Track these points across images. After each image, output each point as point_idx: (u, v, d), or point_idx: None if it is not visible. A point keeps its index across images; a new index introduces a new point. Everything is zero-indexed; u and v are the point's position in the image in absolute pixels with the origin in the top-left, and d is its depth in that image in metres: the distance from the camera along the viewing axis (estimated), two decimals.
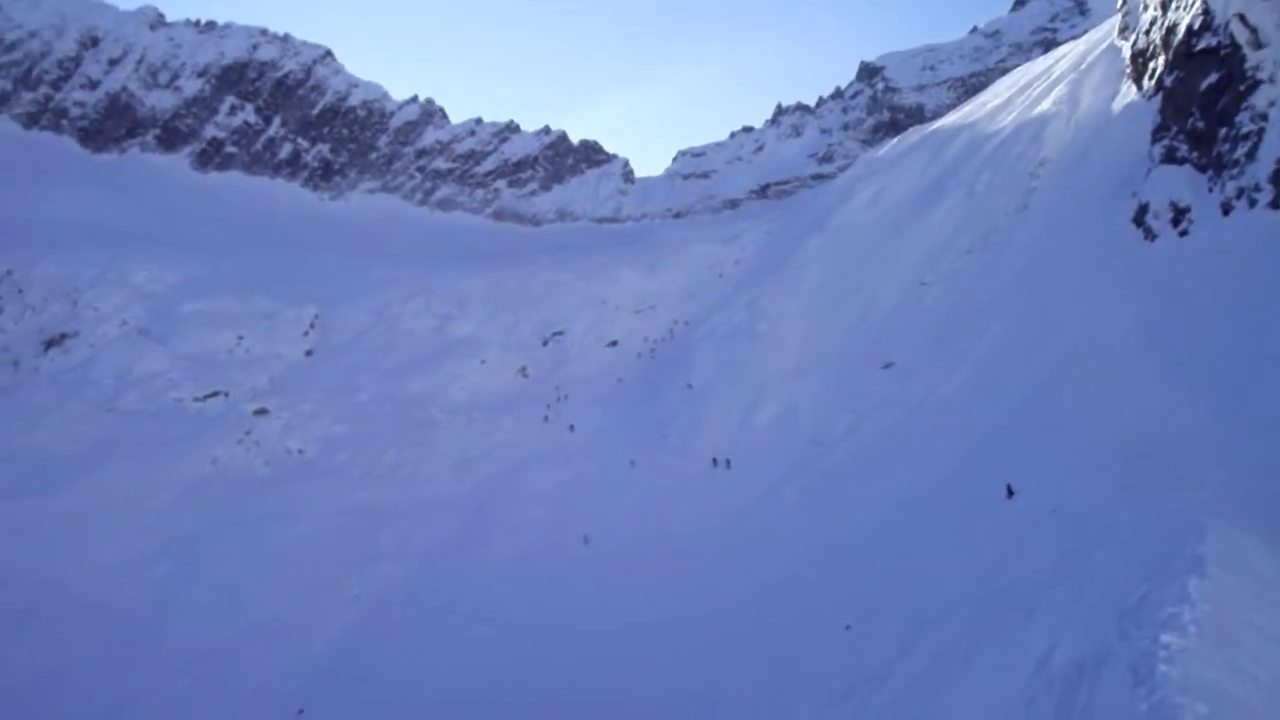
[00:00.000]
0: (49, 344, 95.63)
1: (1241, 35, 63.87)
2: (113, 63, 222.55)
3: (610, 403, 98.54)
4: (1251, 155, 60.01)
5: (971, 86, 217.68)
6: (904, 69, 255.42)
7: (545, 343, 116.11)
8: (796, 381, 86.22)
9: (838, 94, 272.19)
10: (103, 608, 59.79)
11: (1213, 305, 53.12)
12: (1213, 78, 66.99)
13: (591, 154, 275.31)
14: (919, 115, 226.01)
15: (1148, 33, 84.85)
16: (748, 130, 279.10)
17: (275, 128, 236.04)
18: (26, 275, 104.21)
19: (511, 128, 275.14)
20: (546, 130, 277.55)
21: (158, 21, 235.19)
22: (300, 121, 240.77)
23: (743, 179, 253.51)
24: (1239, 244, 56.82)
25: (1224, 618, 17.34)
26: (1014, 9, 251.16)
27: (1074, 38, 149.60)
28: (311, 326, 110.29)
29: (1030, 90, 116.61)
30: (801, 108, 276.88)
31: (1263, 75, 61.79)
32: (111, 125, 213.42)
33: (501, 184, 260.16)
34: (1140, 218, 68.31)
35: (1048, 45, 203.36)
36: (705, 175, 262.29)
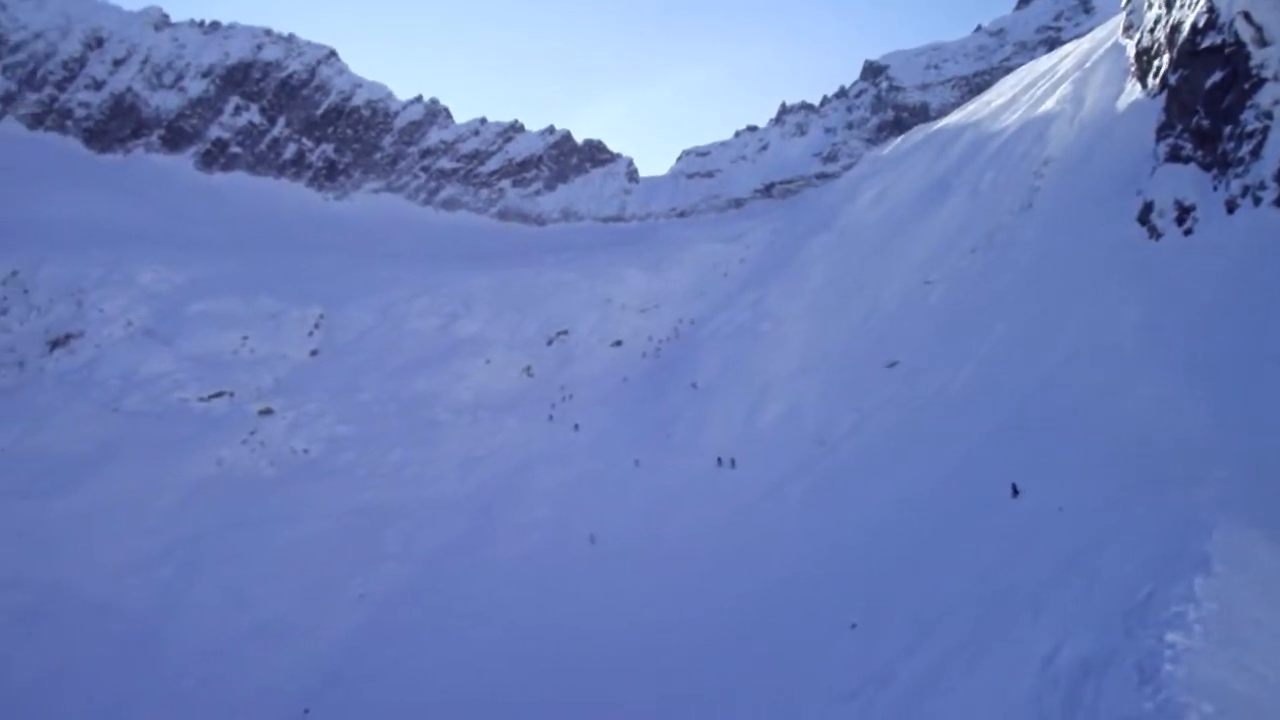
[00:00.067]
0: (54, 344, 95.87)
1: (1246, 33, 63.78)
2: (117, 63, 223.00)
3: (615, 402, 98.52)
4: (1256, 153, 59.91)
5: (976, 85, 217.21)
6: (908, 68, 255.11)
7: (550, 342, 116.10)
8: (801, 380, 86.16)
9: (842, 93, 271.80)
10: (108, 608, 59.97)
11: (1218, 304, 53.08)
12: (1217, 76, 66.89)
13: (596, 153, 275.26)
14: (923, 114, 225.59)
15: (1152, 31, 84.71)
16: (752, 129, 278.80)
17: (280, 128, 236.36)
18: (32, 276, 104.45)
19: (516, 127, 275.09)
20: (551, 130, 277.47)
21: (162, 22, 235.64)
22: (305, 122, 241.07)
23: (747, 178, 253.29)
24: (1244, 242, 56.72)
25: (1230, 616, 17.35)
26: (1018, 7, 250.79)
27: (1078, 36, 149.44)
28: (316, 326, 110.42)
29: (1034, 89, 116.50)
30: (806, 107, 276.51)
31: (1267, 73, 61.71)
32: (116, 126, 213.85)
33: (506, 184, 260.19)
34: (1145, 216, 68.23)
35: (1052, 44, 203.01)
36: (710, 174, 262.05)
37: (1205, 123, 67.19)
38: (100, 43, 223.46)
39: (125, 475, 75.41)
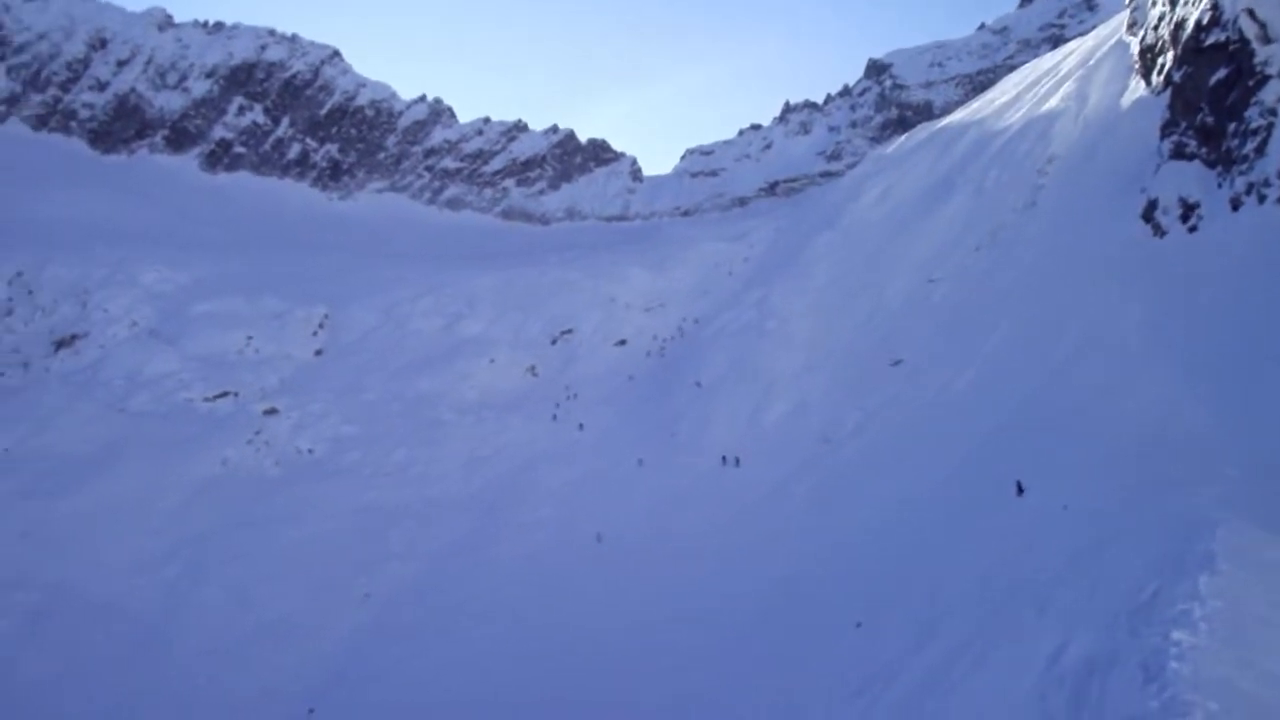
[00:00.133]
0: (59, 345, 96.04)
1: (1250, 30, 63.75)
2: (121, 64, 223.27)
3: (619, 401, 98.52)
4: (1261, 150, 59.90)
5: (979, 83, 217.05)
6: (912, 66, 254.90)
7: (554, 341, 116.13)
8: (805, 379, 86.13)
9: (846, 91, 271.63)
10: (113, 608, 60.06)
11: (1222, 301, 53.07)
12: (1221, 73, 66.87)
13: (600, 152, 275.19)
14: (927, 112, 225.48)
15: (1156, 28, 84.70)
16: (756, 128, 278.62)
17: (284, 128, 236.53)
18: (36, 277, 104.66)
19: (519, 127, 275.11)
20: (554, 129, 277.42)
21: (166, 23, 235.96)
22: (308, 121, 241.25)
23: (751, 177, 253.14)
24: (1248, 240, 56.72)
25: (1235, 614, 17.33)
26: (1021, 5, 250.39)
27: (1082, 34, 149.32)
28: (321, 326, 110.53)
29: (1038, 87, 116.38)
30: (809, 105, 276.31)
31: (1271, 70, 61.69)
32: (120, 126, 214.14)
33: (510, 183, 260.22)
34: (1149, 214, 68.22)
35: (1056, 41, 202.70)
36: (713, 173, 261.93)
37: (1209, 120, 67.18)
38: (104, 43, 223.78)
39: (130, 475, 75.49)
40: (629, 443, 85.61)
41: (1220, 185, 63.28)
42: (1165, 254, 63.45)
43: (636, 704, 41.35)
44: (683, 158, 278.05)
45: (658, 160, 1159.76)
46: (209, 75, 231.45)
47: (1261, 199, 58.17)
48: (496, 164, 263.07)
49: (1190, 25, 73.18)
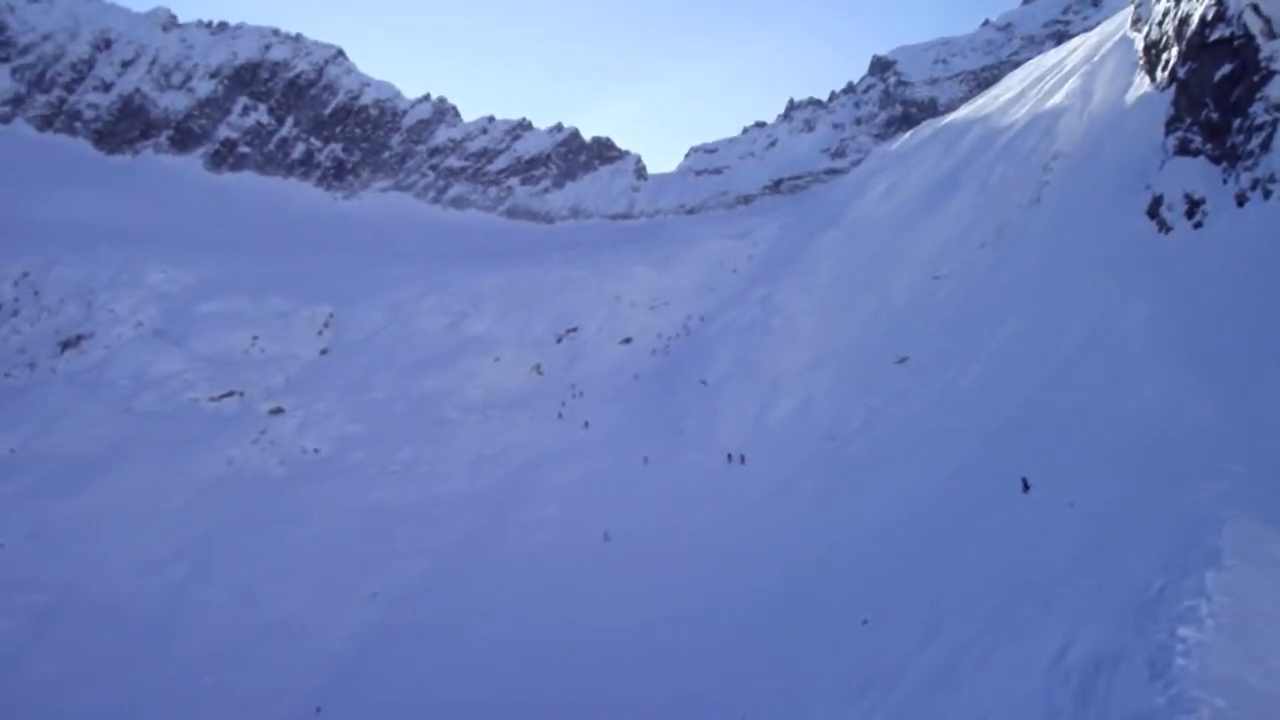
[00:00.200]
0: (65, 345, 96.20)
1: (1255, 26, 63.63)
2: (126, 64, 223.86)
3: (625, 399, 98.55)
4: (1266, 146, 59.76)
5: (984, 80, 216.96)
6: (916, 63, 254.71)
7: (559, 340, 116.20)
8: (811, 376, 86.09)
9: (850, 88, 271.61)
10: (119, 608, 60.12)
11: (1228, 297, 52.96)
12: (1226, 69, 66.72)
13: (604, 151, 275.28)
14: (931, 109, 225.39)
15: (1160, 24, 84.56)
16: (760, 125, 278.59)
17: (288, 128, 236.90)
18: (42, 277, 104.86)
19: (524, 125, 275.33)
20: (559, 127, 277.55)
21: (170, 23, 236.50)
22: (313, 121, 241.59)
23: (755, 174, 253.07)
24: (1254, 236, 56.59)
25: (1242, 610, 17.31)
26: (1026, 2, 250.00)
27: (1086, 30, 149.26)
28: (326, 325, 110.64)
29: (1043, 83, 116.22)
30: (814, 102, 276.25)
31: (1276, 66, 61.51)
32: (125, 127, 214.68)
33: (514, 181, 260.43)
34: (1154, 210, 68.08)
35: (1060, 38, 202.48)
36: (718, 171, 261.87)
37: (1214, 116, 67.05)
38: (108, 44, 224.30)
39: (136, 475, 75.60)
40: (634, 441, 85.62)
41: (1225, 181, 63.15)
42: (1170, 250, 63.33)
43: (641, 703, 41.33)
44: (687, 156, 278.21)
45: (662, 158, 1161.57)
46: (213, 75, 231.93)
47: (1267, 195, 58.02)
48: (501, 163, 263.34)
49: (1195, 21, 73.06)
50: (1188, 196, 65.37)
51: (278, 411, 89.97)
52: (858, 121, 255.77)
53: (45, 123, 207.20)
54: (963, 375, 68.87)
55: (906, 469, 58.84)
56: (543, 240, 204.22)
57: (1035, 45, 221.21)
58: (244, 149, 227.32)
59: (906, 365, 77.77)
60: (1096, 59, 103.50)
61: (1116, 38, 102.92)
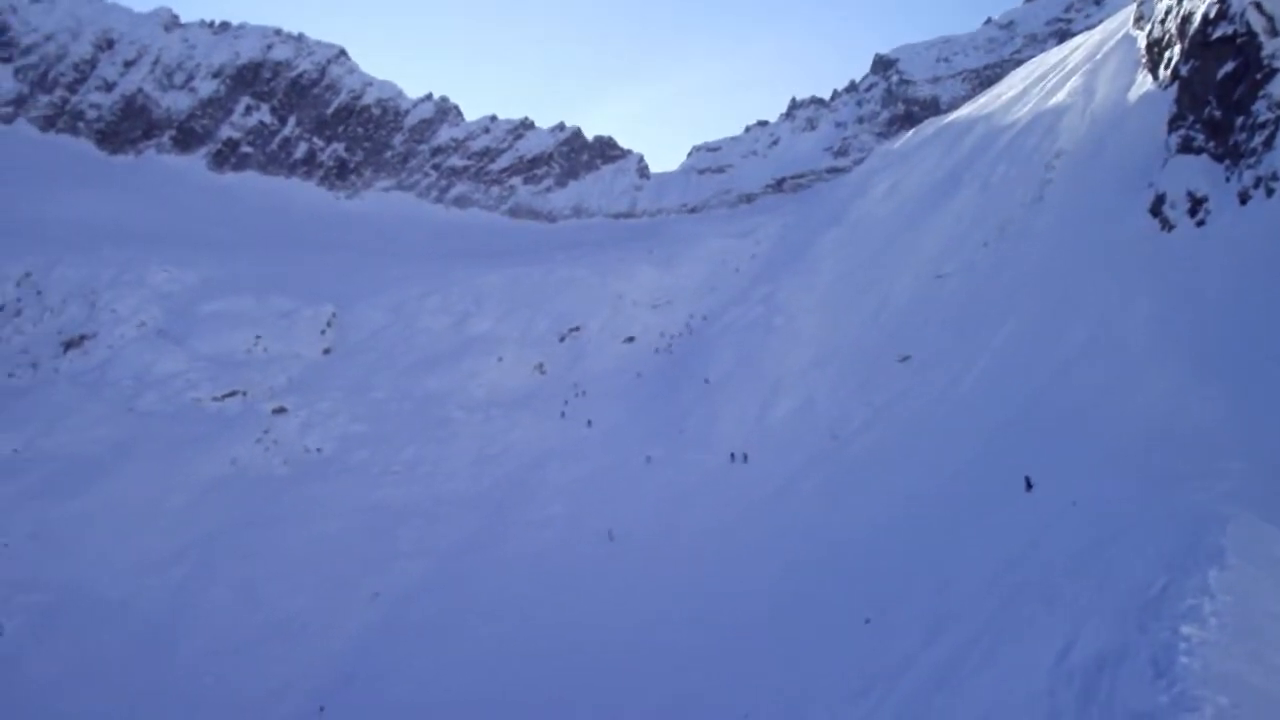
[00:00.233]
0: (68, 345, 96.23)
1: (1258, 23, 63.63)
2: (128, 65, 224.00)
3: (628, 398, 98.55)
4: (1269, 144, 59.75)
5: (986, 78, 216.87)
6: (918, 61, 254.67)
7: (562, 339, 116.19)
8: (813, 375, 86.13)
9: (852, 87, 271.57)
10: (123, 607, 60.22)
11: (1230, 295, 52.94)
12: (1229, 66, 66.72)
13: (606, 150, 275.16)
14: (934, 107, 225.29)
15: (1163, 22, 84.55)
16: (763, 124, 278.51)
17: (290, 127, 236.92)
18: (45, 277, 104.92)
19: (526, 124, 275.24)
20: (561, 127, 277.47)
21: (172, 23, 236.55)
22: (315, 121, 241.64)
23: (758, 173, 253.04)
24: (1257, 234, 56.57)
25: (1246, 609, 17.28)
26: (1028, 0, 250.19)
27: (1089, 28, 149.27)
28: (329, 325, 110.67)
29: (1045, 81, 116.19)
30: (816, 101, 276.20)
31: (1279, 64, 61.52)
32: (127, 127, 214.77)
33: (517, 181, 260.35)
34: (1157, 208, 68.05)
35: (1062, 36, 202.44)
36: (720, 170, 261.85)
37: (1217, 114, 67.05)
38: (111, 44, 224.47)
39: (139, 475, 75.65)
40: (637, 440, 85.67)
41: (1228, 179, 63.13)
42: (1173, 248, 63.31)
43: (641, 703, 41.43)
44: (690, 154, 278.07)
45: (665, 157, 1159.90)
46: (215, 75, 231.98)
47: (1270, 193, 57.98)
48: (503, 162, 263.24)
49: (1197, 19, 73.05)
50: (1190, 195, 65.34)
51: (280, 411, 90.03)
52: (860, 120, 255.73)
53: (48, 123, 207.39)
54: (965, 374, 68.88)
55: (908, 468, 58.87)
56: (545, 239, 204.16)
57: (1037, 43, 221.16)
58: (246, 149, 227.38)
59: (909, 364, 77.77)
60: (1099, 57, 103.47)
61: (1119, 36, 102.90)
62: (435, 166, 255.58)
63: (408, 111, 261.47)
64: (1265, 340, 45.85)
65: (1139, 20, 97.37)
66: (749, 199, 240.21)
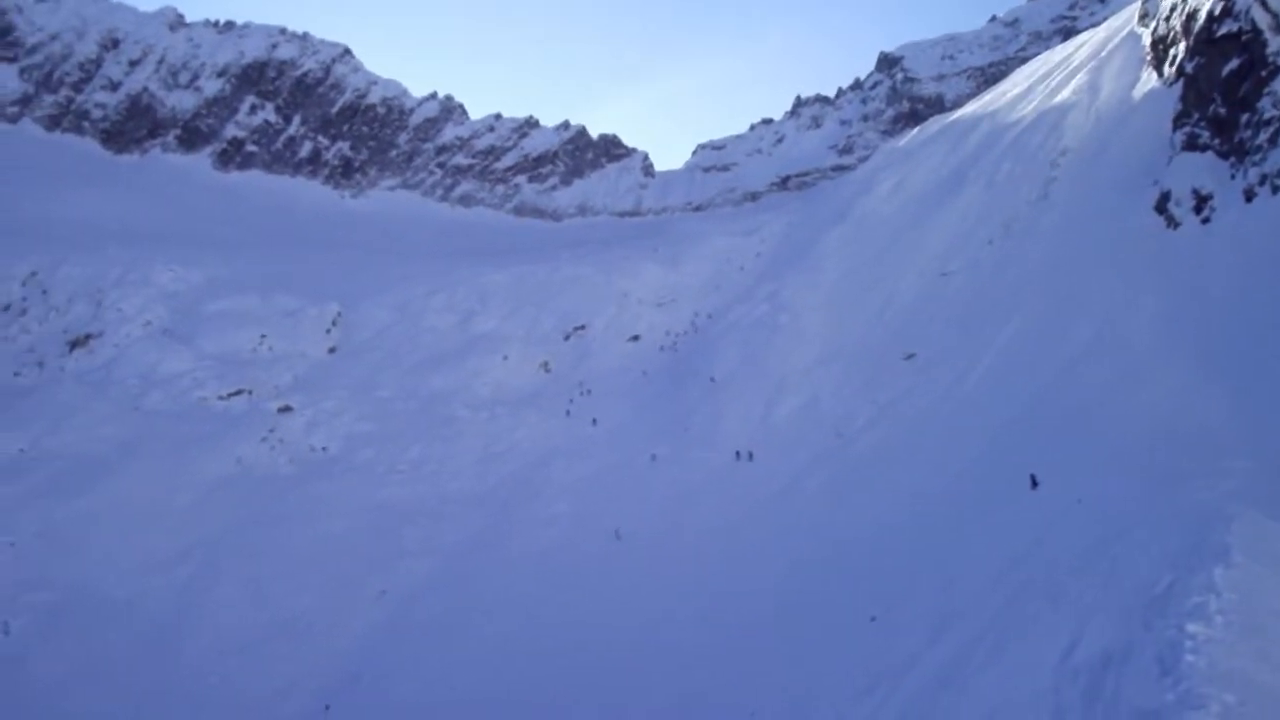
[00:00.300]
0: (74, 344, 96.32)
1: (1263, 20, 63.58)
2: (133, 64, 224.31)
3: (633, 397, 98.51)
4: (1274, 141, 59.68)
5: (991, 76, 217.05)
6: (923, 59, 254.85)
7: (567, 337, 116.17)
8: (818, 373, 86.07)
9: (857, 85, 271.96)
10: (130, 606, 60.23)
11: (1236, 293, 52.88)
12: (1234, 63, 66.66)
13: (611, 148, 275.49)
14: (938, 105, 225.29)
15: (1168, 19, 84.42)
16: (767, 122, 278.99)
17: (295, 126, 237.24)
18: (51, 276, 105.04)
19: (531, 123, 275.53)
20: (566, 125, 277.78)
21: (177, 22, 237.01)
22: (320, 120, 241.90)
23: (763, 171, 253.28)
24: (1262, 231, 56.50)
25: (1252, 606, 17.27)
26: None
27: (1093, 25, 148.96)
28: (334, 324, 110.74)
29: (1050, 79, 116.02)
30: (821, 99, 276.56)
31: None
32: (133, 126, 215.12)
33: (521, 179, 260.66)
34: (1162, 206, 67.96)
35: (1067, 33, 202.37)
36: (725, 168, 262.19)
37: (1222, 111, 66.98)
38: (116, 44, 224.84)
39: (145, 474, 75.69)
40: (643, 438, 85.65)
41: (1233, 176, 63.06)
42: (1178, 246, 63.23)
43: (647, 702, 41.44)
44: (694, 153, 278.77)
45: (669, 155, 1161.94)
46: (220, 74, 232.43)
47: (1275, 190, 57.92)
48: (508, 160, 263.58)
49: (1202, 16, 72.96)
50: (1195, 192, 65.27)
51: (286, 410, 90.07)
52: (865, 118, 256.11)
53: (53, 122, 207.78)
54: (970, 372, 68.81)
55: (914, 466, 58.82)
56: (550, 238, 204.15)
57: (1042, 41, 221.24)
58: (251, 148, 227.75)
59: (914, 362, 77.70)
60: (1104, 54, 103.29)
61: (1124, 33, 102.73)
62: (440, 165, 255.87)
63: (412, 110, 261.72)
64: (1270, 338, 45.79)
65: (1144, 17, 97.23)
66: (754, 197, 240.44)
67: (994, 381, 64.54)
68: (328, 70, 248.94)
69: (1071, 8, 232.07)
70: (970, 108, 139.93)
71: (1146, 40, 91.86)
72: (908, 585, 38.55)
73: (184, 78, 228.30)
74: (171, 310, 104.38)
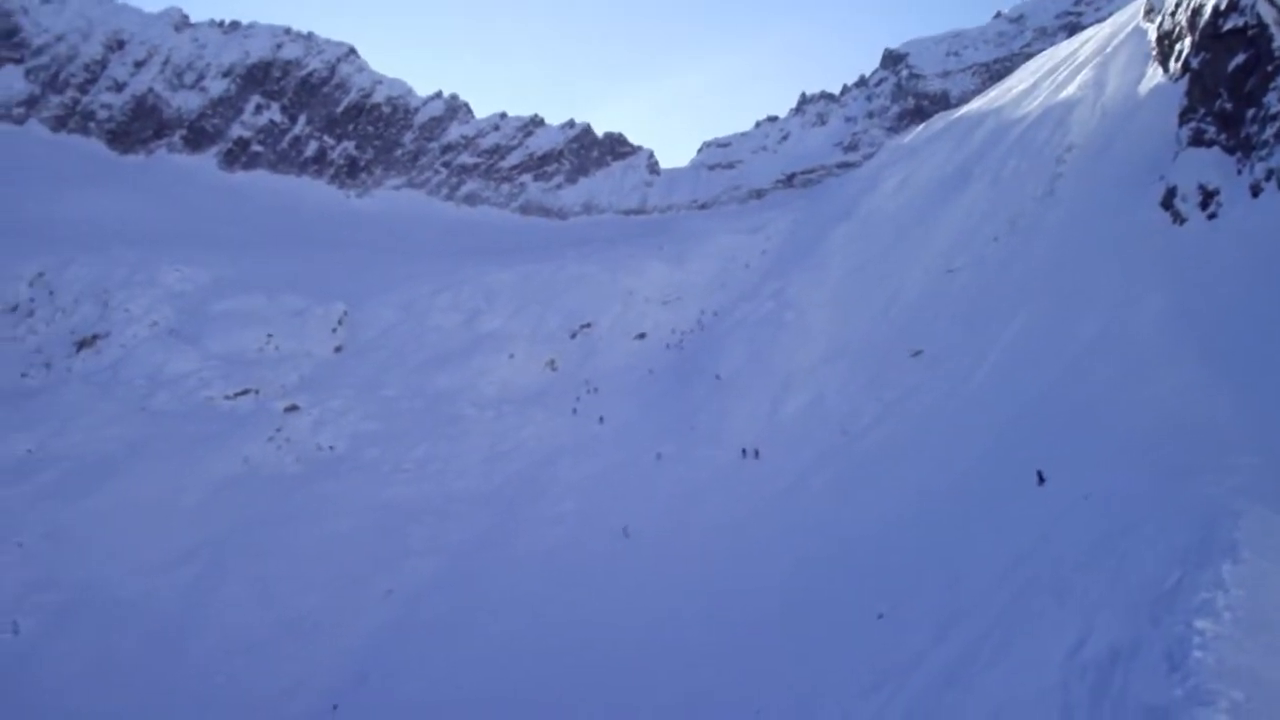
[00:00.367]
0: (80, 345, 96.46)
1: (1269, 15, 63.40)
2: (138, 65, 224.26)
3: (639, 395, 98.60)
4: None
5: (996, 72, 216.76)
6: (928, 55, 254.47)
7: (573, 335, 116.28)
8: (824, 370, 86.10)
9: (862, 82, 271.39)
10: (135, 606, 60.27)
11: (1243, 288, 52.70)
12: (1240, 58, 66.45)
13: (616, 146, 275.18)
14: (944, 102, 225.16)
15: (1173, 14, 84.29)
16: (772, 120, 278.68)
17: (301, 126, 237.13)
18: (57, 277, 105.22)
19: (536, 121, 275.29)
20: (571, 123, 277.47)
21: (182, 23, 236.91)
22: (325, 119, 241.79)
23: (768, 169, 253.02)
24: (1269, 226, 56.29)
25: (1260, 602, 17.22)
26: None
27: (1099, 21, 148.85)
28: (340, 323, 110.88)
29: (1055, 75, 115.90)
30: (826, 96, 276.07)
31: None
32: (138, 127, 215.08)
33: (527, 178, 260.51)
34: (1168, 201, 67.83)
35: (1072, 29, 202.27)
36: (730, 165, 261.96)
37: (1228, 106, 66.79)
38: (121, 44, 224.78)
39: (152, 474, 75.77)
40: (649, 436, 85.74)
41: (1240, 172, 62.90)
42: (1184, 242, 63.08)
43: (653, 700, 41.46)
44: (700, 150, 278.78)
45: (675, 153, 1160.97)
46: (226, 74, 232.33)
47: None
48: (513, 159, 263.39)
49: (1208, 11, 72.77)
50: (1202, 188, 65.12)
51: (293, 409, 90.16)
52: (870, 115, 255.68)
53: (59, 123, 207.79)
54: (976, 368, 68.75)
55: (920, 463, 58.77)
56: (556, 236, 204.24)
57: (1048, 37, 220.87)
58: (257, 148, 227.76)
59: (920, 359, 77.68)
60: (1109, 50, 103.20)
61: (1129, 29, 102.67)
62: (445, 164, 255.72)
63: (417, 109, 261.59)
64: (1276, 334, 45.61)
65: (1149, 13, 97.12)
66: (759, 195, 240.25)
67: (1000, 378, 64.47)
68: (333, 70, 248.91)
69: (1077, 3, 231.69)
70: (975, 104, 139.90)
71: (1152, 35, 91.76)
72: (914, 582, 38.48)
73: (189, 78, 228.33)
74: (178, 310, 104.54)
